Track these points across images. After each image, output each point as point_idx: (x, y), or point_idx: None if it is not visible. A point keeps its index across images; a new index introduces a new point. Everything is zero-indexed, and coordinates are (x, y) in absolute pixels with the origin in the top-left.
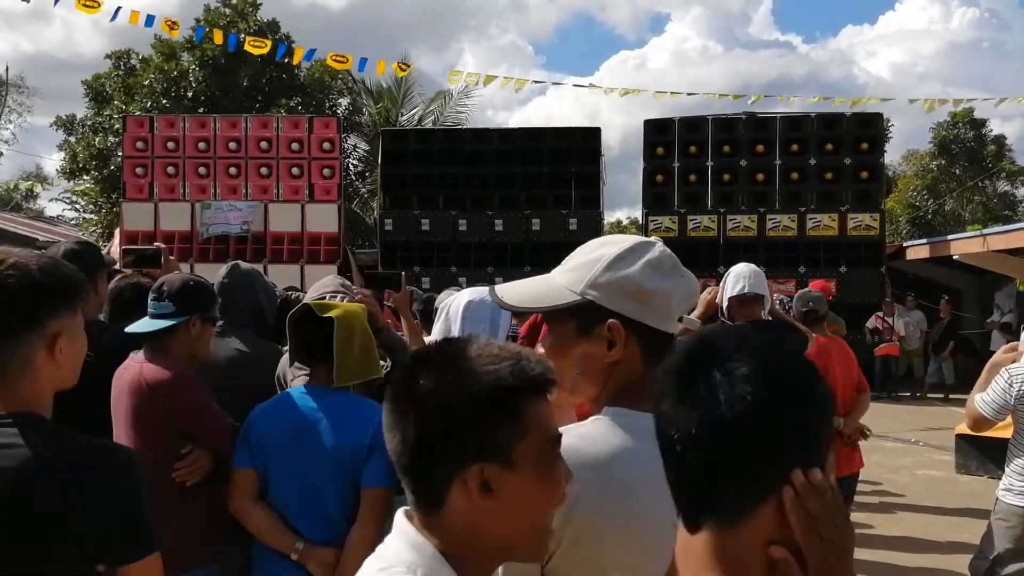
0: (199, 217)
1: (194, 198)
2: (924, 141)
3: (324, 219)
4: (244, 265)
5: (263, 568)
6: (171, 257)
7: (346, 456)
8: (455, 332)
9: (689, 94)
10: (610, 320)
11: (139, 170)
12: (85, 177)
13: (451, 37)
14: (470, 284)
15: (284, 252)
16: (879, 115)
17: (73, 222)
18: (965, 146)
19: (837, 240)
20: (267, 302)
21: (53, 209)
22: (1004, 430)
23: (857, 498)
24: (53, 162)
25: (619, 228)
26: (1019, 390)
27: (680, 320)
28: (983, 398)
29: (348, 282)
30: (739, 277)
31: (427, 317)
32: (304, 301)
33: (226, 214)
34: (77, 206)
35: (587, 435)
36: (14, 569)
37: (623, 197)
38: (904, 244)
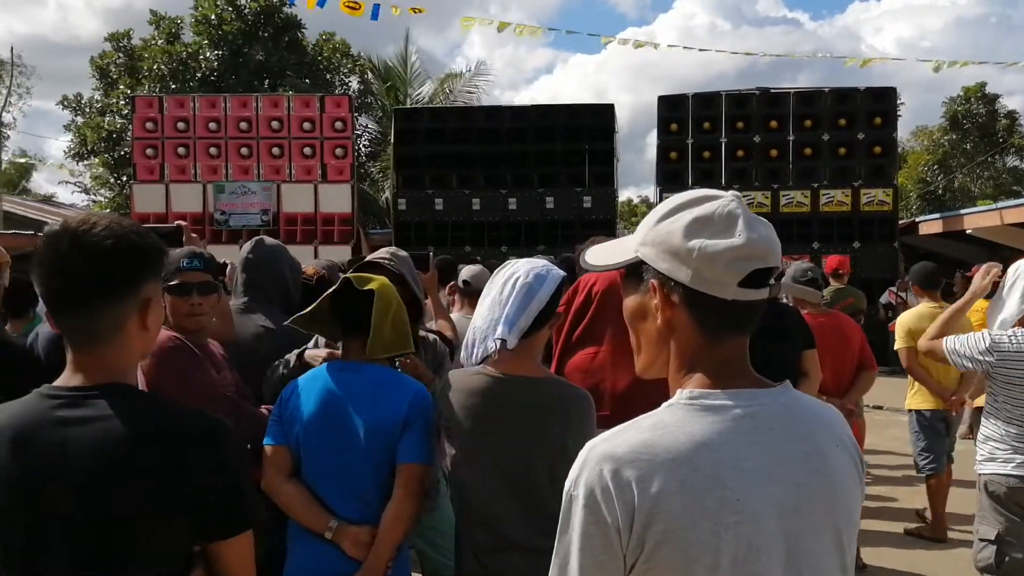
0: (212, 201)
1: (206, 179)
2: (931, 118)
3: (337, 199)
4: (269, 240)
5: (296, 546)
6: (192, 235)
7: (380, 431)
8: (490, 300)
9: (718, 51)
10: (652, 279)
11: (149, 151)
12: (94, 159)
13: (455, 16)
14: (483, 263)
15: (298, 233)
16: (892, 89)
17: (83, 205)
18: (977, 121)
19: (850, 216)
20: (292, 278)
21: (63, 195)
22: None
23: (879, 472)
24: (60, 144)
25: (629, 207)
26: (994, 359)
27: (761, 283)
28: (954, 345)
29: (400, 251)
30: None
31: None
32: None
33: (242, 199)
34: (87, 189)
35: (660, 424)
36: (117, 549)
37: (631, 176)
38: (917, 219)
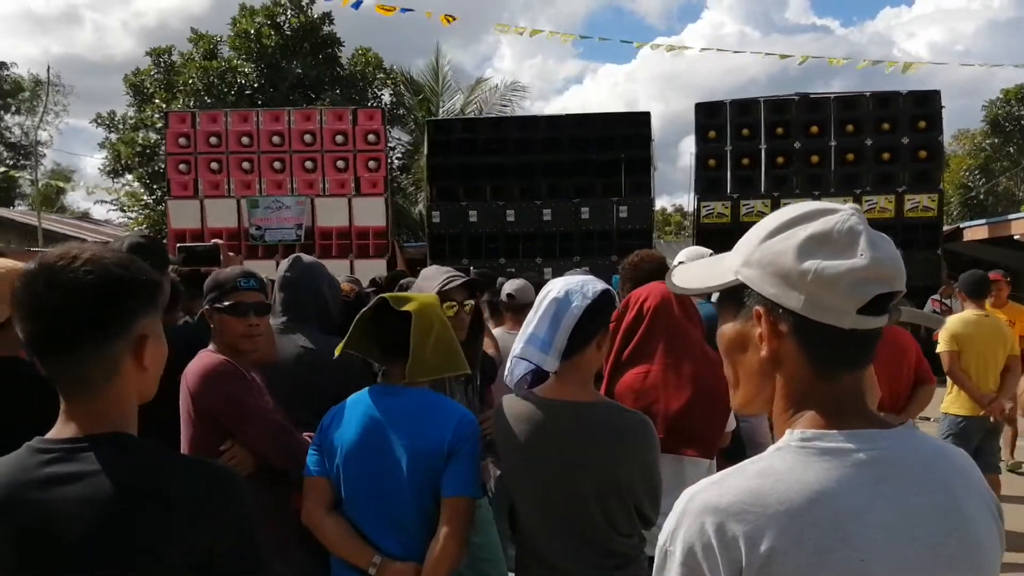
0: (247, 216)
1: (239, 194)
2: (971, 121)
3: (371, 212)
4: (306, 258)
5: None
6: (230, 253)
7: (423, 460)
8: (534, 321)
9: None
10: (756, 307)
11: (182, 166)
12: (128, 176)
13: (483, 30)
14: (518, 275)
15: (333, 247)
16: (936, 92)
17: (119, 222)
18: (1019, 123)
19: (894, 222)
20: (331, 296)
21: (98, 212)
22: None
23: None
24: (95, 161)
25: (663, 216)
26: None
27: (881, 310)
28: None
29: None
30: None
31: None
32: (410, 292)
33: (276, 213)
34: (123, 206)
35: (770, 471)
36: None
37: (663, 185)
38: (961, 225)
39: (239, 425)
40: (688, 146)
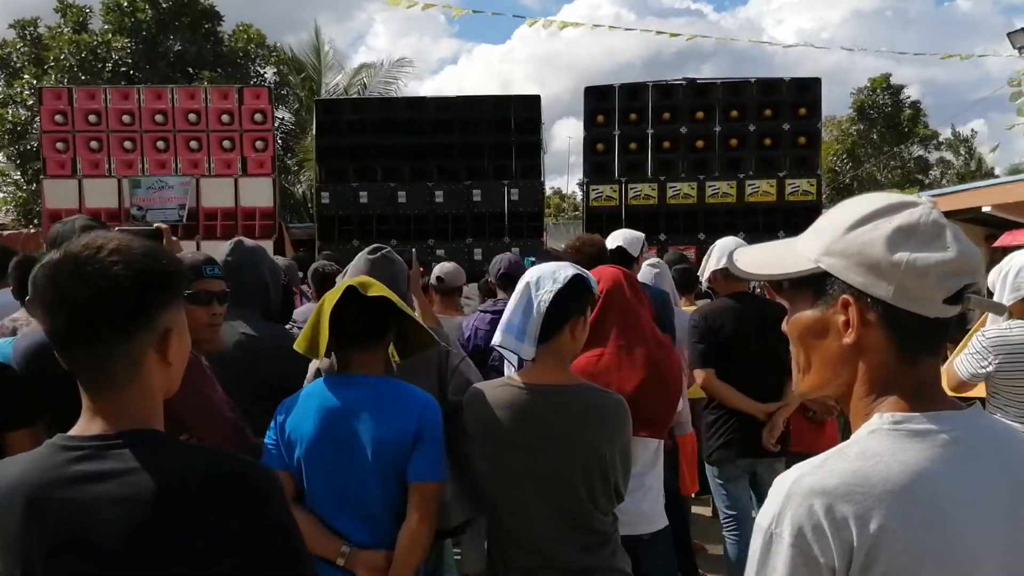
0: (128, 197)
1: (121, 173)
2: (837, 109)
3: (258, 193)
4: (248, 242)
5: None
6: (173, 238)
7: (389, 448)
8: (510, 309)
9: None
10: (843, 295)
11: (59, 145)
12: None
13: (356, 6)
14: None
15: (218, 228)
16: (817, 80)
17: None
18: (883, 111)
19: (775, 206)
20: (273, 281)
21: None
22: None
23: None
24: None
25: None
26: (994, 355)
27: (959, 299)
28: (964, 366)
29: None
30: (724, 249)
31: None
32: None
33: (158, 193)
34: None
35: (870, 453)
36: None
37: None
38: None
39: (200, 422)
40: (563, 129)
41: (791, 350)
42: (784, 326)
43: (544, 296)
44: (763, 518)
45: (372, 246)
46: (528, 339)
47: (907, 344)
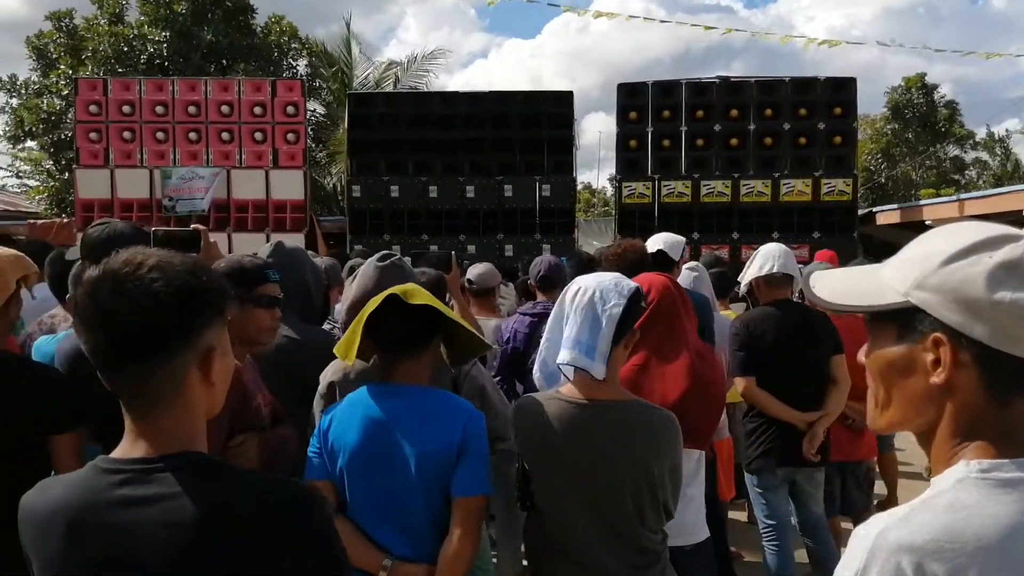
0: (159, 187)
1: (152, 164)
2: (868, 107)
3: (289, 186)
4: (289, 243)
5: None
6: (212, 240)
7: (433, 461)
8: (574, 325)
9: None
10: (934, 333)
11: (93, 135)
12: (31, 143)
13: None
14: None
15: (248, 220)
16: (852, 79)
17: (18, 190)
18: (918, 111)
19: (810, 206)
20: (314, 283)
21: None
22: None
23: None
24: None
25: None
26: None
27: None
28: None
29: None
30: (768, 256)
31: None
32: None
33: (189, 183)
34: (18, 172)
35: (959, 505)
36: None
37: None
38: (874, 209)
39: (240, 424)
40: (593, 123)
41: (868, 383)
42: (861, 357)
43: (613, 311)
44: (845, 570)
45: (381, 253)
46: (599, 356)
47: (999, 385)
